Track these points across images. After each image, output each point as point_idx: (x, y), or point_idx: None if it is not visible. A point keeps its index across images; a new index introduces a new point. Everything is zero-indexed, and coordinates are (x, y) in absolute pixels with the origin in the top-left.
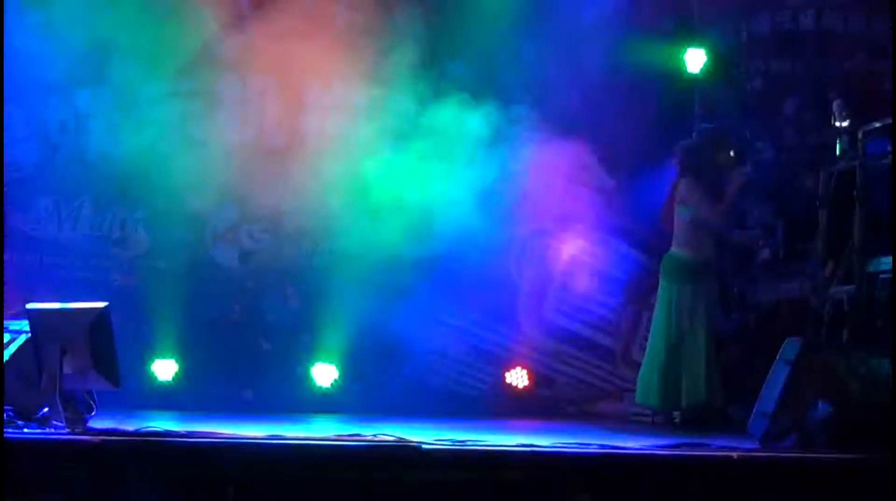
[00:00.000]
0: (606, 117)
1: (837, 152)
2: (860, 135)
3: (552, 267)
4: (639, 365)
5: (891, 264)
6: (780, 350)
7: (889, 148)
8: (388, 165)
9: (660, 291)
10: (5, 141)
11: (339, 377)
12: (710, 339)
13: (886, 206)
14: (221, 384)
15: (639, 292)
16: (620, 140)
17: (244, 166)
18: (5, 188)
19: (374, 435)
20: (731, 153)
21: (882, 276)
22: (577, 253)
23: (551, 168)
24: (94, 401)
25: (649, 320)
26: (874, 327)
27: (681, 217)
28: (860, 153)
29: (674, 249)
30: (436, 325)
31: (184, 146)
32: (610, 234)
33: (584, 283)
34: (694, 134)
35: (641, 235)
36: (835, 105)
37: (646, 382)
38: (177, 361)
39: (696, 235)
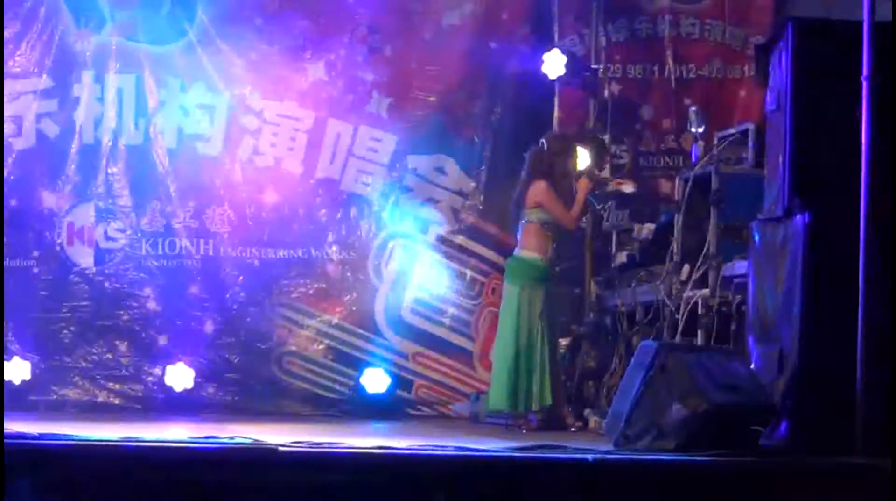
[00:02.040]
0: (465, 120)
1: (693, 158)
2: (715, 141)
3: (410, 268)
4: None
5: (745, 269)
6: (636, 353)
7: (744, 154)
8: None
9: (506, 294)
10: None
11: (197, 378)
12: (557, 343)
13: (740, 211)
14: (77, 386)
15: (496, 293)
16: (480, 143)
17: (101, 165)
18: None
19: (230, 437)
20: (580, 158)
21: (736, 280)
22: (435, 254)
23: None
24: None
25: None
26: (728, 330)
27: (530, 220)
28: (715, 159)
29: (522, 252)
30: (294, 327)
31: (40, 144)
32: (467, 235)
33: (442, 284)
34: (542, 140)
35: (499, 236)
36: (690, 111)
37: (497, 386)
38: (31, 362)
39: (544, 238)
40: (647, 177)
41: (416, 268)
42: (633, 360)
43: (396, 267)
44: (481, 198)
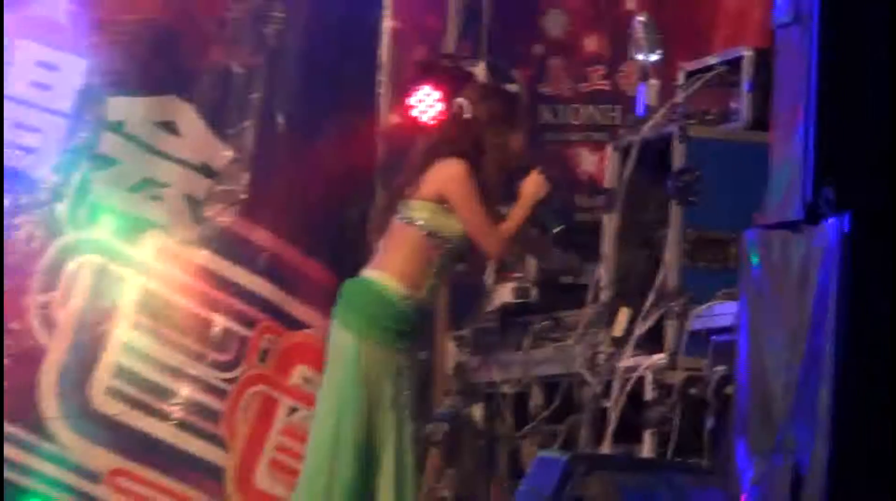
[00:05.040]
0: (215, 35)
1: (639, 110)
2: (680, 79)
3: (109, 311)
4: (265, 496)
5: (732, 317)
6: (529, 471)
7: (732, 104)
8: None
9: (337, 349)
10: None
11: None
12: (416, 444)
13: (725, 210)
14: None
15: (269, 358)
16: (244, 76)
17: None
18: None
19: None
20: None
21: (716, 337)
22: (156, 285)
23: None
24: None
25: (293, 410)
26: (700, 429)
27: (409, 219)
28: (678, 113)
29: (371, 271)
30: None
31: None
32: (217, 248)
33: (167, 340)
34: (460, 100)
35: (276, 250)
36: (636, 24)
37: None
38: None
39: (421, 258)
40: (554, 143)
41: (121, 311)
42: (524, 484)
43: (83, 308)
44: (246, 178)
